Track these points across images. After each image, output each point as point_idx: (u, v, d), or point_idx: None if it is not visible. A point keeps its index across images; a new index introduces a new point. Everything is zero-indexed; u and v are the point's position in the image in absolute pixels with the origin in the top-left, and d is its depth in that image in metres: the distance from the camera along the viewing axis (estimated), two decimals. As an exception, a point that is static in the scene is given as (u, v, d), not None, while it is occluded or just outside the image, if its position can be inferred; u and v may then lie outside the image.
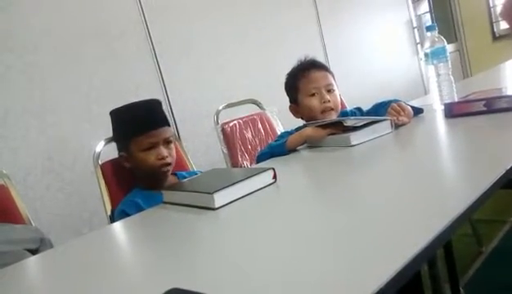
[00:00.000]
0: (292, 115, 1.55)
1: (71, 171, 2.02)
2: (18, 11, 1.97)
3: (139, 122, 1.26)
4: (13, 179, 1.47)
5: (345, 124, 1.17)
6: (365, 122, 1.16)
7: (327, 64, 1.70)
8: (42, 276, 0.77)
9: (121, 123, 1.31)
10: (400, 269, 0.41)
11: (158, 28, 2.47)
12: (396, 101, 1.34)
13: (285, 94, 1.57)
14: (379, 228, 0.54)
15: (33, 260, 0.84)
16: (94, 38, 2.20)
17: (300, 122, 1.53)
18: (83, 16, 2.18)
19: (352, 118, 1.23)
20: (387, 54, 4.23)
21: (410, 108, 1.31)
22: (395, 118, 1.24)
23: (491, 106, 1.12)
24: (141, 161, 1.25)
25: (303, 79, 1.48)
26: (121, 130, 1.31)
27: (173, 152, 1.30)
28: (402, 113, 1.26)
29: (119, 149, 1.33)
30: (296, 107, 1.51)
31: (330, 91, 1.45)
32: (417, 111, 1.35)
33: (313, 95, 1.44)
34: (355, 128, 1.17)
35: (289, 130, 1.49)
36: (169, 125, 1.32)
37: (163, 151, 1.25)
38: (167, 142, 1.28)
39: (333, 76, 1.51)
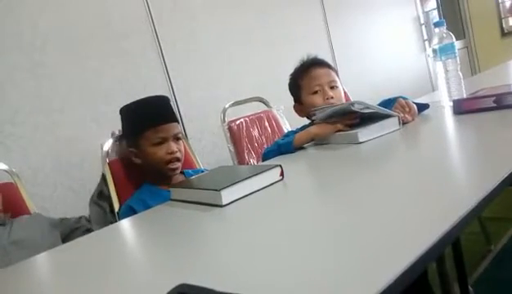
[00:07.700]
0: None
1: (79, 169, 2.04)
2: (26, 11, 1.98)
3: (149, 117, 1.27)
4: (22, 177, 1.49)
5: (353, 108, 1.14)
6: (373, 110, 1.15)
7: (334, 61, 1.69)
8: (51, 273, 0.78)
9: (131, 119, 1.32)
10: (408, 266, 0.41)
11: (165, 27, 2.48)
12: (403, 98, 1.33)
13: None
14: (387, 225, 0.54)
15: (42, 256, 0.84)
16: (101, 37, 2.21)
17: (305, 120, 1.53)
18: (91, 16, 2.19)
19: (359, 101, 1.19)
20: (394, 51, 4.21)
21: (415, 106, 1.29)
22: (401, 114, 1.23)
23: (501, 102, 1.10)
24: (151, 155, 1.26)
25: (305, 77, 1.46)
26: (131, 125, 1.32)
27: (182, 148, 1.31)
28: (407, 109, 1.25)
29: (129, 146, 1.33)
30: (300, 106, 1.50)
31: (332, 87, 1.43)
32: (422, 107, 1.34)
33: (316, 92, 1.42)
34: (363, 123, 1.17)
35: (294, 129, 1.48)
36: (178, 122, 1.33)
37: (173, 146, 1.26)
38: (176, 138, 1.29)
39: (336, 73, 1.48)
